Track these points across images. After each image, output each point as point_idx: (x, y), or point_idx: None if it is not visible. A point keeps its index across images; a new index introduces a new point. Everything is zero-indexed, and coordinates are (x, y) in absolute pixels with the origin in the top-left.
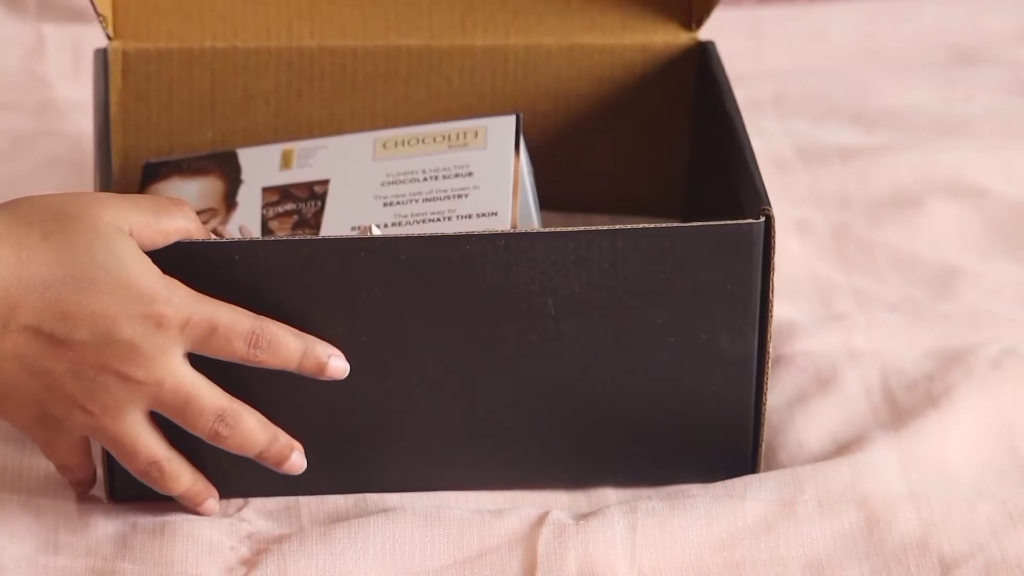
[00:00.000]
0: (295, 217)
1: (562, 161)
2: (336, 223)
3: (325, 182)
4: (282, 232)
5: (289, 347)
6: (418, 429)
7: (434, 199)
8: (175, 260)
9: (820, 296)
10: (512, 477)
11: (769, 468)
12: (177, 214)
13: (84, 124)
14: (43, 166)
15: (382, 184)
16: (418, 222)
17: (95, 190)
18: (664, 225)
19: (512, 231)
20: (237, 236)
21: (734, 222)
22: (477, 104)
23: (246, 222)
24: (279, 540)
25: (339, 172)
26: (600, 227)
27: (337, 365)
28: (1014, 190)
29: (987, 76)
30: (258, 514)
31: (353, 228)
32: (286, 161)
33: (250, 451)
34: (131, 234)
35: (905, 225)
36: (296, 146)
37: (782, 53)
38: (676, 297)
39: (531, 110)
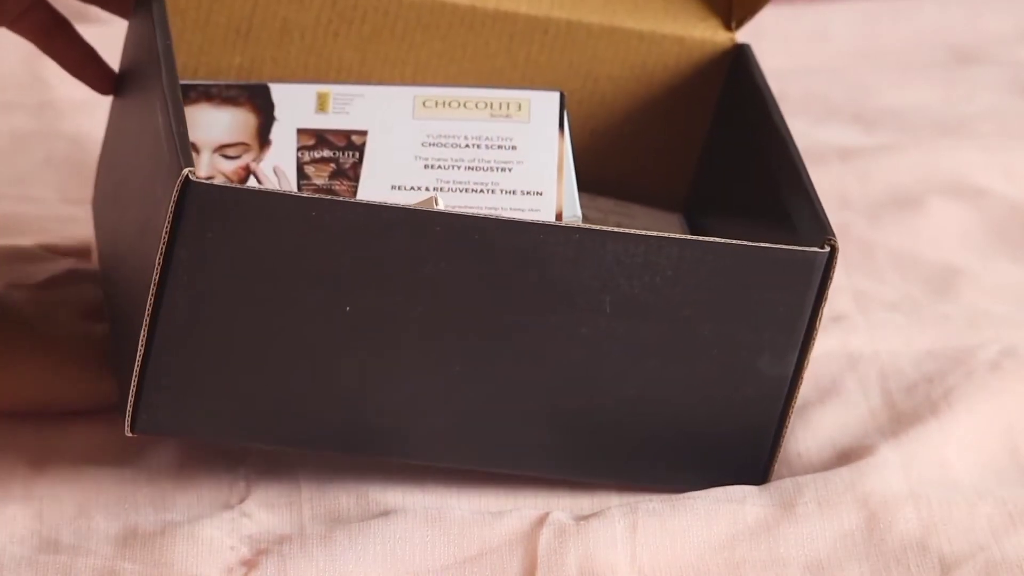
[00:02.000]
0: (332, 166)
1: (577, 138)
2: (376, 179)
3: (363, 133)
4: (319, 179)
5: None
6: (446, 406)
7: (477, 168)
8: (245, 207)
9: None
10: (524, 460)
11: None
12: None
13: (84, 124)
14: (43, 166)
15: (423, 144)
16: (461, 190)
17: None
18: (732, 242)
19: (586, 227)
20: (272, 177)
21: (800, 248)
22: (510, 70)
23: (281, 163)
24: (279, 540)
25: (377, 124)
26: (671, 235)
27: None
28: (1014, 190)
29: (987, 76)
30: (259, 509)
31: (394, 187)
32: (322, 104)
33: None
34: None
35: (905, 225)
36: (332, 89)
37: (782, 53)
38: (729, 312)
39: (559, 84)
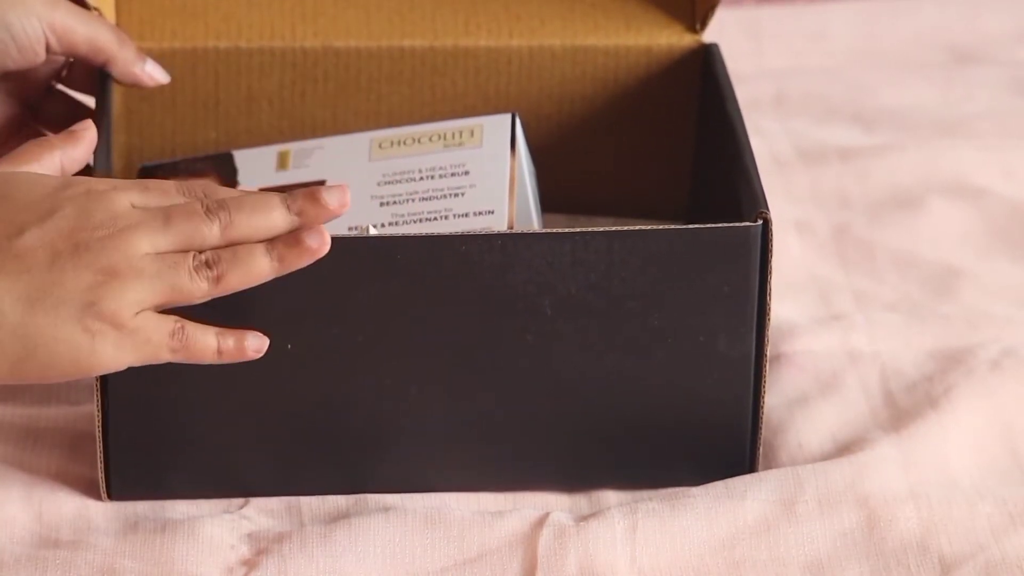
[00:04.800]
0: None
1: (566, 163)
2: (332, 224)
3: (321, 183)
4: None
5: (244, 207)
6: (415, 429)
7: (431, 198)
8: None
9: (820, 296)
10: (509, 478)
11: (769, 468)
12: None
13: None
14: None
15: (378, 184)
16: (415, 221)
17: None
18: (660, 227)
19: (508, 232)
20: None
21: (731, 225)
22: (481, 105)
23: None
24: (279, 539)
25: (335, 172)
26: (596, 228)
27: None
28: (1014, 190)
29: (987, 76)
30: (259, 513)
31: (350, 228)
32: (282, 162)
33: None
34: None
35: (905, 225)
36: (293, 147)
37: (782, 53)
38: (674, 299)
39: (535, 112)
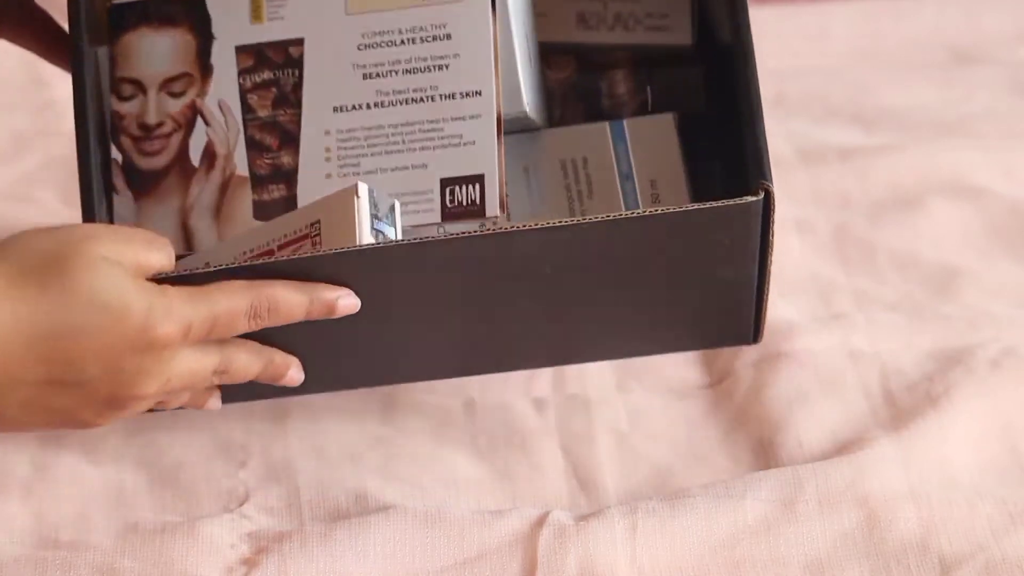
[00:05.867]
0: (274, 90)
1: None
2: (318, 103)
3: (300, 42)
4: (263, 111)
5: (291, 304)
6: (458, 345)
7: (414, 70)
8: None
9: (820, 296)
10: (525, 360)
11: (769, 467)
12: (163, 250)
13: None
14: (43, 166)
15: (359, 48)
16: (401, 102)
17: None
18: (660, 212)
19: (505, 231)
20: (218, 115)
21: (736, 203)
22: None
23: (224, 95)
24: (279, 539)
25: (312, 28)
26: (594, 218)
27: (347, 303)
28: (1014, 190)
29: (987, 76)
30: (259, 512)
31: (336, 108)
32: (256, 10)
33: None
34: (122, 264)
35: (905, 225)
36: None
37: (782, 53)
38: (676, 259)
39: None
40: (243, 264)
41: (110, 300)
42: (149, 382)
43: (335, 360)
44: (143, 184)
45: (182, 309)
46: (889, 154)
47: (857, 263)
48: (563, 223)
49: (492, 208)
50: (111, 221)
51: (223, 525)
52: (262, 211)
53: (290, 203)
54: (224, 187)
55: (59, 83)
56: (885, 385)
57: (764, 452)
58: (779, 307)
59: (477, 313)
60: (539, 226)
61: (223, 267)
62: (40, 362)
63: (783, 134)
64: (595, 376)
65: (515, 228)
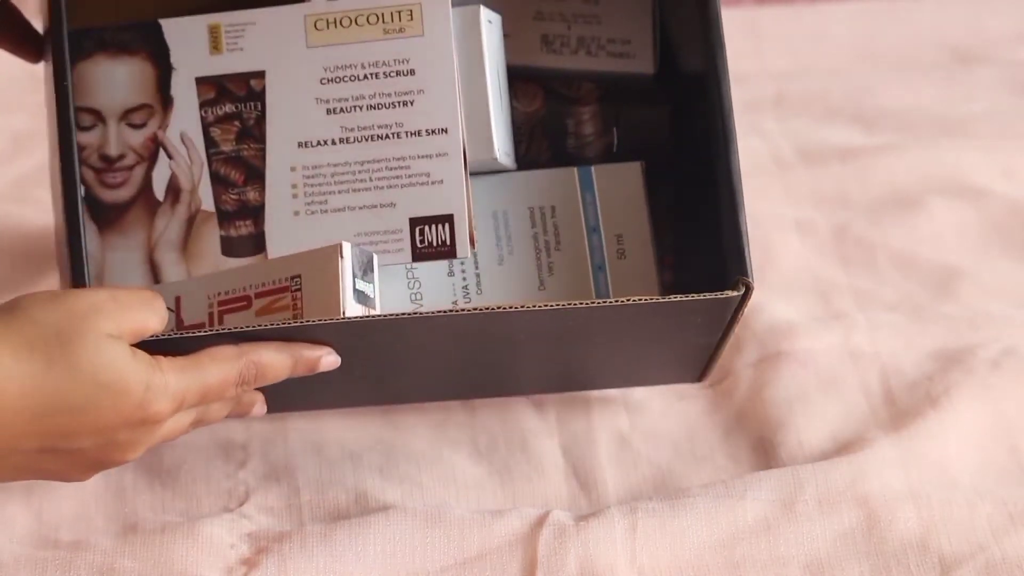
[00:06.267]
0: (237, 124)
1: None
2: (282, 137)
3: (261, 75)
4: (226, 145)
5: (277, 367)
6: (451, 377)
7: (379, 106)
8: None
9: (820, 296)
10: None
11: (769, 466)
12: (159, 312)
13: None
14: (43, 166)
15: (321, 81)
16: (366, 139)
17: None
18: (645, 301)
19: (483, 312)
20: (181, 148)
21: (716, 297)
22: None
23: (187, 127)
24: (279, 539)
25: (273, 60)
26: (575, 304)
27: (329, 361)
28: (1014, 190)
29: (987, 76)
30: (259, 512)
31: (301, 144)
32: (215, 41)
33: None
34: (123, 336)
35: (905, 225)
36: (222, 20)
37: (782, 53)
38: (646, 333)
39: None
40: (233, 330)
41: (112, 380)
42: (137, 450)
43: (327, 383)
44: (107, 217)
45: (176, 385)
46: (889, 154)
47: (857, 263)
48: (540, 307)
49: (463, 249)
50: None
51: (223, 525)
52: (230, 247)
53: (258, 240)
54: (190, 222)
55: None
56: (885, 385)
57: (764, 452)
58: (779, 307)
59: (454, 363)
60: (517, 308)
61: (212, 332)
62: (39, 435)
63: (783, 134)
64: None
65: (492, 310)
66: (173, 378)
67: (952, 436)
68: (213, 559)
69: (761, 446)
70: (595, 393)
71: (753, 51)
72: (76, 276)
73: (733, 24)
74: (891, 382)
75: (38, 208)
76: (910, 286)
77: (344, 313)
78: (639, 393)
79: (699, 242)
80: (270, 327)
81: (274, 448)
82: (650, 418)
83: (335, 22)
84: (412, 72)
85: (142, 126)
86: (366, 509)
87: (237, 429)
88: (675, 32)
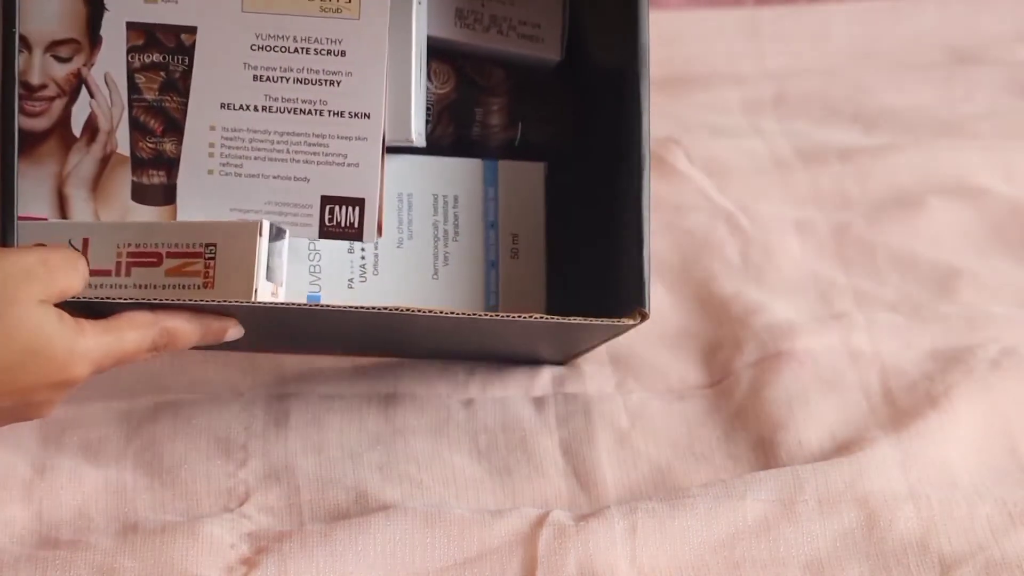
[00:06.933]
0: (162, 75)
1: None
2: (206, 95)
3: (192, 30)
4: (149, 93)
5: (187, 336)
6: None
7: (305, 81)
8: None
9: (820, 296)
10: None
11: (769, 466)
12: (81, 271)
13: None
14: None
15: (252, 48)
16: (289, 111)
17: None
18: (543, 321)
19: (391, 313)
20: (104, 88)
21: (616, 323)
22: None
23: (111, 69)
24: (279, 538)
25: (206, 19)
26: (477, 314)
27: (235, 332)
28: (1014, 190)
29: (986, 76)
30: (259, 512)
31: (223, 105)
32: None
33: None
34: (50, 299)
35: (905, 225)
36: None
37: (782, 53)
38: (539, 341)
39: None
40: (151, 301)
41: (40, 346)
42: (50, 409)
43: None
44: (21, 143)
45: (96, 351)
46: (889, 154)
47: (857, 263)
48: (442, 313)
49: (369, 234)
50: None
51: (223, 525)
52: (140, 194)
53: (168, 191)
54: (103, 162)
55: None
56: (885, 385)
57: (764, 452)
58: (779, 307)
59: (355, 335)
60: (418, 313)
61: (131, 301)
62: None
63: (783, 134)
64: (595, 375)
65: (392, 311)
66: (94, 342)
67: (952, 436)
68: (213, 559)
69: (761, 446)
70: (595, 392)
71: (753, 51)
72: (5, 214)
73: (733, 24)
74: (891, 382)
75: None
76: (910, 286)
77: (256, 290)
78: (639, 393)
79: (591, 251)
80: (188, 303)
81: (274, 448)
82: (649, 417)
83: None
84: (343, 53)
85: (67, 60)
86: (366, 509)
87: (237, 429)
88: (591, 22)
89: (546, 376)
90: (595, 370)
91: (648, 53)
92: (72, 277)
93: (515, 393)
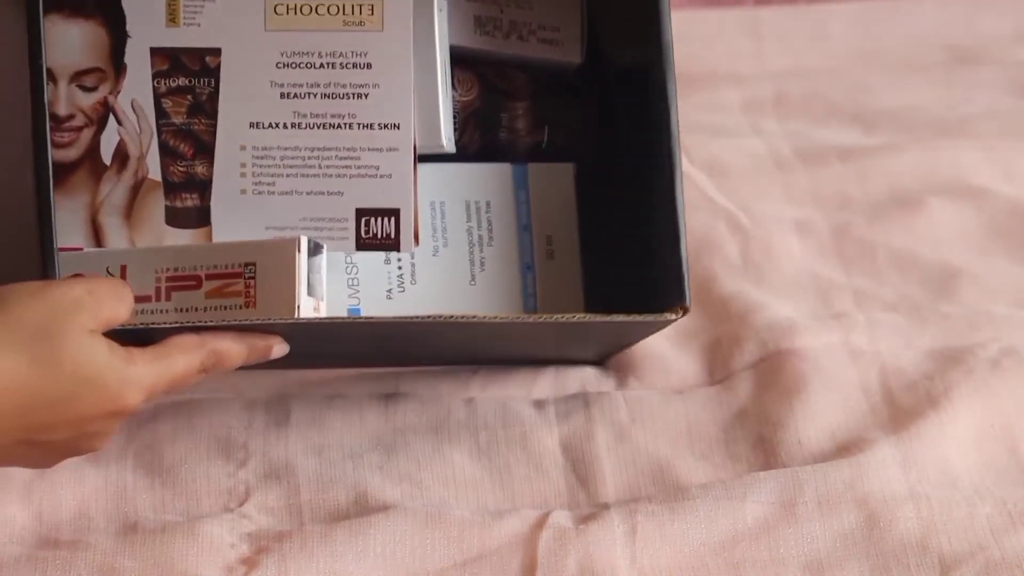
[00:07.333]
0: (189, 98)
1: None
2: (234, 116)
3: (216, 52)
4: (177, 117)
5: (234, 356)
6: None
7: (333, 95)
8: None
9: (820, 296)
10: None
11: (769, 466)
12: (127, 301)
13: None
14: None
15: (277, 66)
16: (319, 126)
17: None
18: (576, 321)
19: (437, 321)
20: (131, 115)
21: (655, 319)
22: None
23: (138, 95)
24: (279, 538)
25: (230, 39)
26: (511, 318)
27: (280, 349)
28: (1014, 190)
29: (986, 76)
30: (259, 512)
31: (252, 124)
32: (172, 14)
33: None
34: (99, 329)
35: (905, 225)
36: None
37: (782, 53)
38: (580, 341)
39: None
40: (196, 324)
41: (92, 376)
42: (105, 440)
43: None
44: (53, 175)
45: (148, 377)
46: (889, 154)
47: (857, 263)
48: (489, 319)
49: (407, 243)
50: None
51: (223, 525)
52: (174, 218)
53: (202, 213)
54: (135, 189)
55: None
56: (885, 385)
57: (764, 450)
58: (779, 307)
59: (384, 346)
60: (467, 319)
61: (176, 324)
62: (20, 429)
63: (783, 134)
64: (595, 375)
65: (440, 319)
66: (144, 370)
67: (952, 436)
68: (213, 559)
69: (761, 445)
70: (595, 390)
71: (753, 51)
72: (45, 247)
73: (733, 24)
74: (891, 382)
75: None
76: (910, 286)
77: (299, 307)
78: (639, 392)
79: (628, 249)
80: (233, 324)
81: (274, 448)
82: (650, 416)
83: (295, 8)
84: (368, 66)
85: (93, 89)
86: (366, 509)
87: (237, 429)
88: (608, 24)
89: (547, 374)
90: (595, 370)
91: (672, 50)
92: (118, 306)
93: (516, 391)
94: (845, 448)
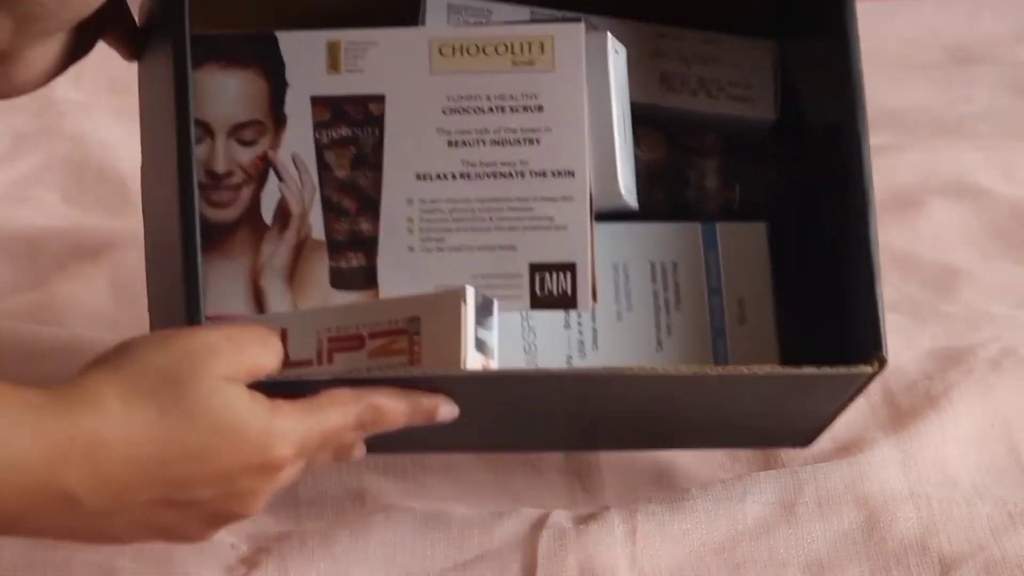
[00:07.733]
0: (352, 149)
1: None
2: (400, 167)
3: (380, 99)
4: (341, 171)
5: (395, 414)
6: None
7: (503, 142)
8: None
9: None
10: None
11: (769, 467)
12: (274, 350)
13: (84, 124)
14: (44, 166)
15: (444, 112)
16: (489, 175)
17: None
18: (770, 373)
19: (608, 375)
20: (292, 170)
21: (846, 371)
22: None
23: (299, 148)
24: (279, 539)
25: (394, 85)
26: (704, 370)
27: (447, 411)
28: (1014, 190)
29: (986, 76)
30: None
31: (419, 176)
32: (333, 60)
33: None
34: (239, 378)
35: (905, 225)
36: (342, 37)
37: None
38: (762, 403)
39: None
40: (352, 376)
41: (229, 425)
42: (259, 500)
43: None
44: (210, 237)
45: (296, 429)
46: (889, 154)
47: None
48: (664, 372)
49: (584, 301)
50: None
51: None
52: (339, 279)
53: (369, 273)
54: (298, 249)
55: (59, 83)
56: (885, 385)
57: (764, 451)
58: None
59: (555, 417)
60: (643, 372)
61: (330, 378)
62: (153, 485)
63: None
64: None
65: (626, 372)
66: (293, 422)
67: (952, 436)
68: (213, 559)
69: None
70: None
71: None
72: (191, 307)
73: None
74: (891, 382)
75: (39, 208)
76: (910, 286)
77: (465, 363)
78: None
79: (820, 307)
80: (391, 376)
81: None
82: None
83: (461, 49)
84: (540, 108)
85: (252, 143)
86: (366, 509)
87: None
88: (800, 80)
89: None
90: None
91: (865, 109)
92: (263, 354)
93: None
94: (845, 448)
